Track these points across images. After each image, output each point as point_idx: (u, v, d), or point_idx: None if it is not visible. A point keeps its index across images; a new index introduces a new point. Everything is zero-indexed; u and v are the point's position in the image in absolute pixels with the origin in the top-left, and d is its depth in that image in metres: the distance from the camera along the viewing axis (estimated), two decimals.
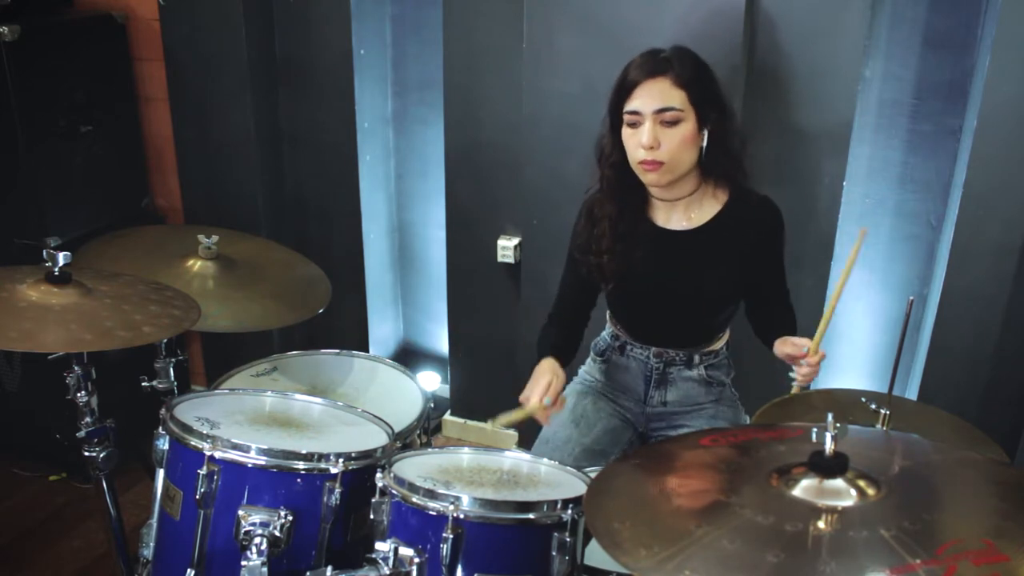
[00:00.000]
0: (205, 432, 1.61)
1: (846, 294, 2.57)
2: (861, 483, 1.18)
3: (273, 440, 1.65)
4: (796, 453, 1.26)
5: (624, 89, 1.79)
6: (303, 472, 1.59)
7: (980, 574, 1.00)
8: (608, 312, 2.10)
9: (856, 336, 2.63)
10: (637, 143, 1.77)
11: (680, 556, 1.09)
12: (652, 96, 1.75)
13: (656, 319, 2.00)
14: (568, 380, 2.17)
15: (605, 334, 2.11)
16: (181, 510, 1.62)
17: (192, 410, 1.72)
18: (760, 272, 1.94)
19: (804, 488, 1.19)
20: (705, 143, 1.80)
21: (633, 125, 1.78)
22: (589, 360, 2.15)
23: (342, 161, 2.97)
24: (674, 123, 1.76)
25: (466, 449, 1.76)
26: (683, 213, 1.90)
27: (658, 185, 1.83)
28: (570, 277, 2.05)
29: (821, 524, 1.13)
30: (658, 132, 1.75)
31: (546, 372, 1.89)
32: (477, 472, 1.66)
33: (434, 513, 1.49)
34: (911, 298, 1.69)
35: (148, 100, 3.02)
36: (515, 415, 1.86)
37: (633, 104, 1.77)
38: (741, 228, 1.88)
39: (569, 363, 1.99)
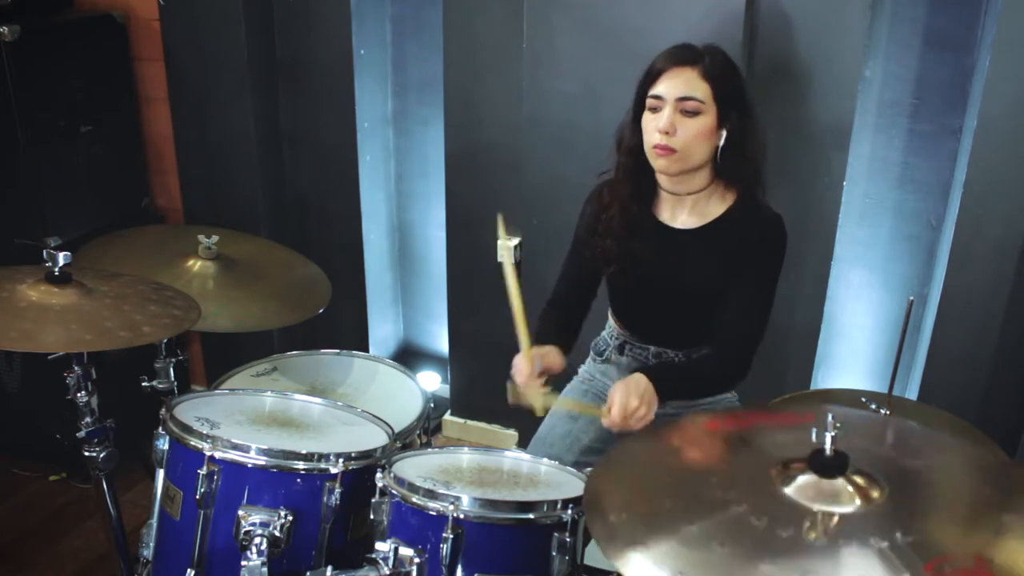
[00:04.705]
0: (205, 432, 1.61)
1: (845, 293, 2.59)
2: (860, 481, 1.18)
3: (273, 440, 1.65)
4: (799, 444, 1.26)
5: (651, 74, 1.81)
6: (303, 472, 1.59)
7: None
8: (609, 310, 2.10)
9: (856, 336, 2.63)
10: (654, 127, 1.79)
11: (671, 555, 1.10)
12: (677, 83, 1.77)
13: (654, 316, 2.00)
14: (568, 378, 2.18)
15: (605, 333, 2.11)
16: (181, 510, 1.62)
17: (192, 410, 1.72)
18: (735, 284, 1.85)
19: (801, 487, 1.18)
20: (722, 143, 1.81)
21: (654, 110, 1.80)
22: (589, 359, 2.15)
23: (342, 161, 2.97)
24: (694, 113, 1.76)
25: (466, 449, 1.77)
26: (689, 210, 1.89)
27: (667, 173, 1.83)
28: (573, 265, 2.05)
29: (813, 535, 1.12)
30: (676, 119, 1.77)
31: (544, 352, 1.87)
32: (477, 472, 1.66)
33: (434, 513, 1.49)
34: (911, 298, 1.69)
35: (148, 100, 3.02)
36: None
37: (657, 89, 1.79)
38: (741, 234, 1.86)
39: (569, 352, 1.96)
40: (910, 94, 2.37)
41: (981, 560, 1.05)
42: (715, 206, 1.89)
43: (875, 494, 1.17)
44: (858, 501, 1.16)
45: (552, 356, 1.88)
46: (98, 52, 2.83)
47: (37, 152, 2.65)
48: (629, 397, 1.70)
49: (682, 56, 1.79)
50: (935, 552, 1.07)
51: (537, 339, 1.90)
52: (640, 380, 1.74)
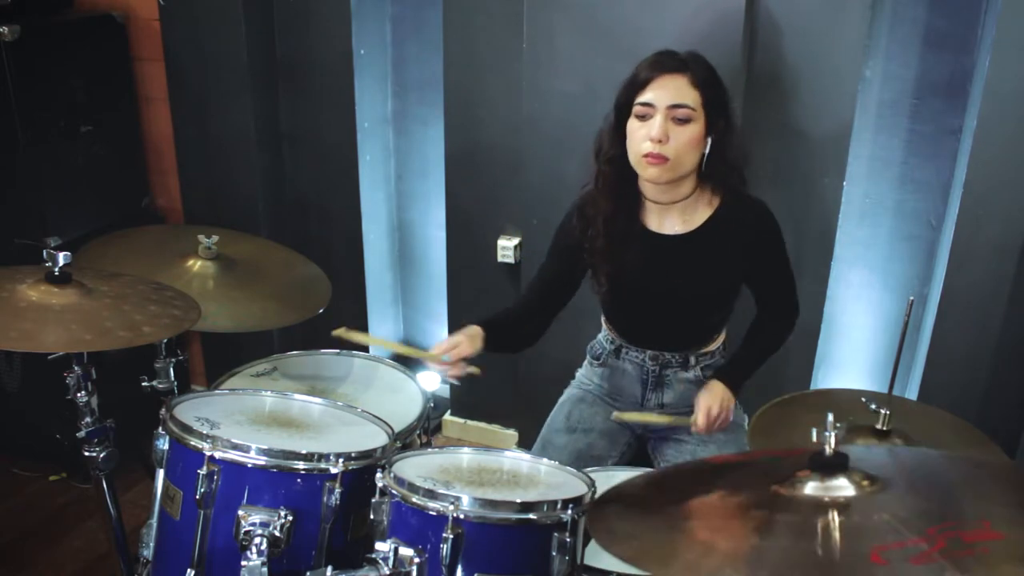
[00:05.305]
0: (205, 432, 1.61)
1: (845, 293, 2.59)
2: (863, 483, 1.18)
3: (273, 440, 1.65)
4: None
5: (638, 82, 1.79)
6: (303, 472, 1.59)
7: (970, 550, 0.99)
8: (603, 316, 2.10)
9: (856, 336, 2.63)
10: (645, 135, 1.77)
11: None
12: (668, 91, 1.76)
13: (649, 322, 2.00)
14: (566, 383, 2.18)
15: (600, 338, 2.11)
16: (181, 510, 1.62)
17: (192, 410, 1.72)
18: (755, 276, 1.94)
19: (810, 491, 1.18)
20: (707, 150, 1.80)
21: (643, 117, 1.78)
22: (586, 364, 2.15)
23: (342, 161, 2.97)
24: (685, 121, 1.76)
25: (466, 449, 1.76)
26: (677, 217, 1.89)
27: (657, 181, 1.82)
28: (547, 273, 2.03)
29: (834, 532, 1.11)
30: (668, 127, 1.75)
31: (461, 333, 1.88)
32: (477, 472, 1.66)
33: (434, 513, 1.49)
34: (911, 298, 1.69)
35: (148, 100, 3.03)
36: (407, 349, 1.97)
37: (647, 96, 1.77)
38: (734, 231, 1.87)
39: (497, 348, 1.92)
40: (910, 94, 2.37)
41: (988, 523, 1.05)
42: (702, 211, 1.89)
43: (878, 489, 1.17)
44: (860, 491, 1.15)
45: (474, 344, 1.88)
46: (98, 52, 2.83)
47: (37, 152, 2.65)
48: (711, 406, 1.87)
49: (670, 64, 1.78)
50: (941, 520, 1.07)
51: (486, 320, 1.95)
52: (716, 388, 1.90)
